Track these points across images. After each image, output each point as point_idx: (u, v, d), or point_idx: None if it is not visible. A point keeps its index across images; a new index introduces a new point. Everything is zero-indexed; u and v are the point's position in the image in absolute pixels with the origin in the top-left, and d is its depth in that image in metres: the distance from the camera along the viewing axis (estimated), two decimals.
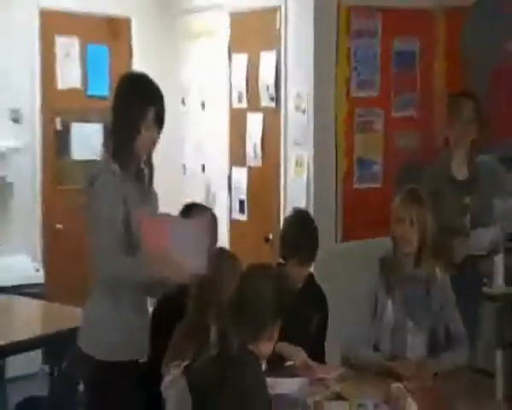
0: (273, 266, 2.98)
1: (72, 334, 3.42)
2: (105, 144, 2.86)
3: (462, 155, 4.19)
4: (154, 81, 2.84)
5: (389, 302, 3.33)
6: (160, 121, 2.76)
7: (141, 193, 2.80)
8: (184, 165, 6.41)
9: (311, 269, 3.62)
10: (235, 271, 2.75)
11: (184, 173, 6.43)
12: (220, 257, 3.00)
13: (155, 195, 2.98)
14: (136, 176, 2.80)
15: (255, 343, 2.41)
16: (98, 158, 2.97)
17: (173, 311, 2.97)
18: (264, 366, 2.61)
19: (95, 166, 3.16)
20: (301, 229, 3.43)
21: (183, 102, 6.34)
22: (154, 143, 2.83)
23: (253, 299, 2.44)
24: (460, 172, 4.20)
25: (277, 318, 2.43)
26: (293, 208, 3.98)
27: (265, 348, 2.46)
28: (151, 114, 2.68)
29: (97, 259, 2.74)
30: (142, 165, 2.86)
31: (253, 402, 2.34)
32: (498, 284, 4.29)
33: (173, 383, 2.64)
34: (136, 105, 2.67)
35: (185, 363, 2.62)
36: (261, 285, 2.46)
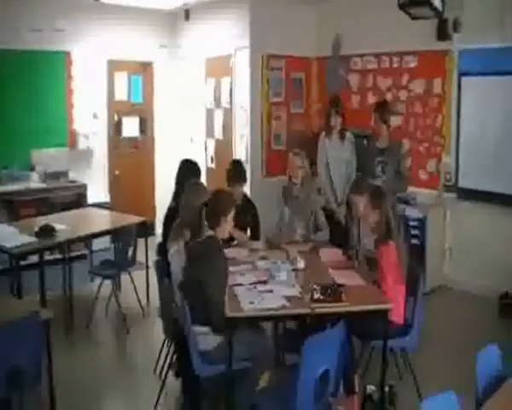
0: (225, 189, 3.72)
1: (124, 227, 4.83)
2: None
3: (383, 136, 5.14)
4: None
5: (286, 209, 4.32)
6: None
7: None
8: (192, 138, 7.95)
9: (248, 192, 4.73)
10: (205, 192, 3.46)
11: (192, 142, 7.97)
12: (198, 186, 3.69)
13: None
14: None
15: (216, 228, 3.07)
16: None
17: (173, 213, 3.70)
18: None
19: None
20: (236, 166, 4.55)
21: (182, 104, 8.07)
22: None
23: (212, 204, 3.08)
24: (381, 143, 5.20)
25: (226, 214, 3.07)
26: (233, 159, 5.23)
27: (221, 232, 3.13)
28: None
29: None
30: None
31: (217, 260, 2.97)
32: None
33: (179, 251, 3.28)
34: None
35: (185, 241, 3.22)
36: (217, 196, 3.17)
